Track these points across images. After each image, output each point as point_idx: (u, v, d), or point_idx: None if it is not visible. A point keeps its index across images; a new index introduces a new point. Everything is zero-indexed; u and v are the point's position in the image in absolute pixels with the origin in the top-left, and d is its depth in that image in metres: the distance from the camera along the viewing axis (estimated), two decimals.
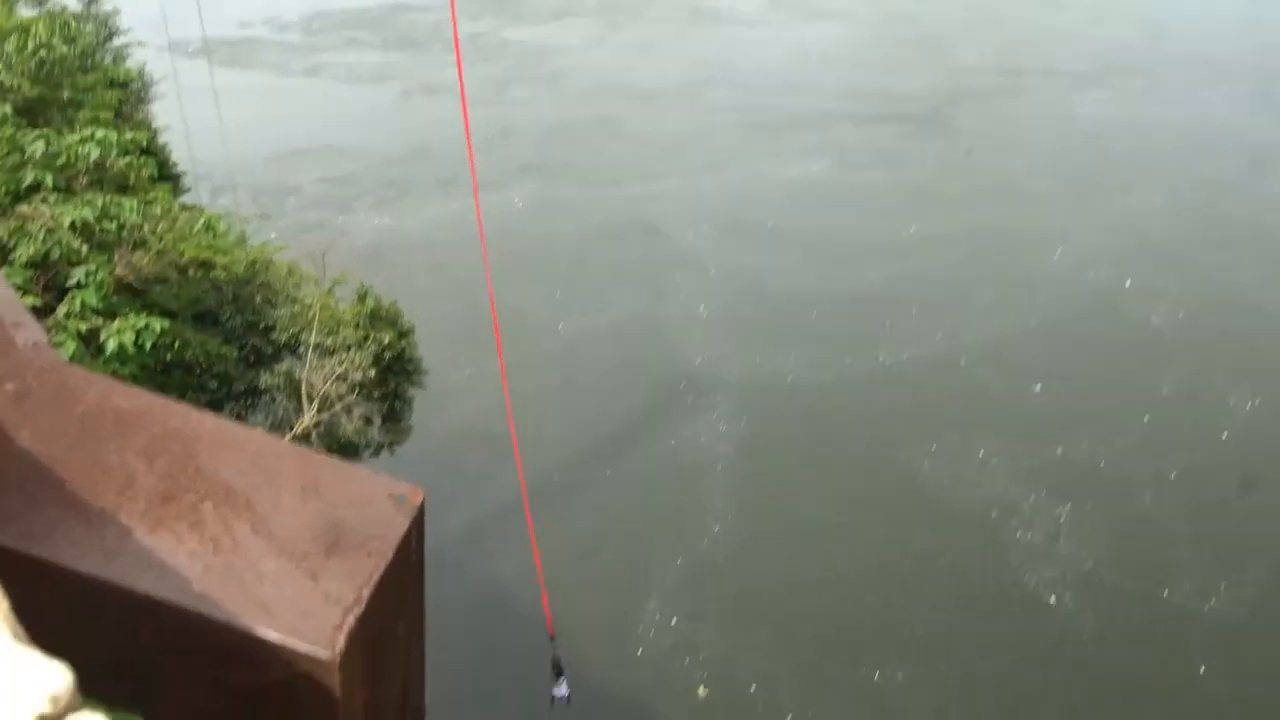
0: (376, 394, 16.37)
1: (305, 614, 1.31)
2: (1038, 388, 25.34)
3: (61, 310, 11.84)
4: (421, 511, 1.52)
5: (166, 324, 12.00)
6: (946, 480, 22.22)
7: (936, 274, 30.42)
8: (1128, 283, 29.91)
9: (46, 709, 0.66)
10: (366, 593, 1.36)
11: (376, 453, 17.03)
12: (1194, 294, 29.21)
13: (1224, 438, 23.60)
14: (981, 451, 22.93)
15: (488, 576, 19.47)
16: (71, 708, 0.67)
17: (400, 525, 1.47)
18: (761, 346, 27.03)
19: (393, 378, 16.48)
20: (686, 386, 25.63)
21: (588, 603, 18.64)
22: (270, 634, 1.28)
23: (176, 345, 12.80)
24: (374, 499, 1.48)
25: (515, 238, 30.55)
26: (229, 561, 1.34)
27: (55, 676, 0.68)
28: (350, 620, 1.32)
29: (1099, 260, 31.08)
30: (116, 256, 13.21)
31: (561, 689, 14.73)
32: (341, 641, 1.29)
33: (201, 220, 13.69)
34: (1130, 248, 31.97)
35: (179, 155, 22.13)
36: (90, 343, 11.95)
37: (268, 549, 1.36)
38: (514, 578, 18.00)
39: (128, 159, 14.49)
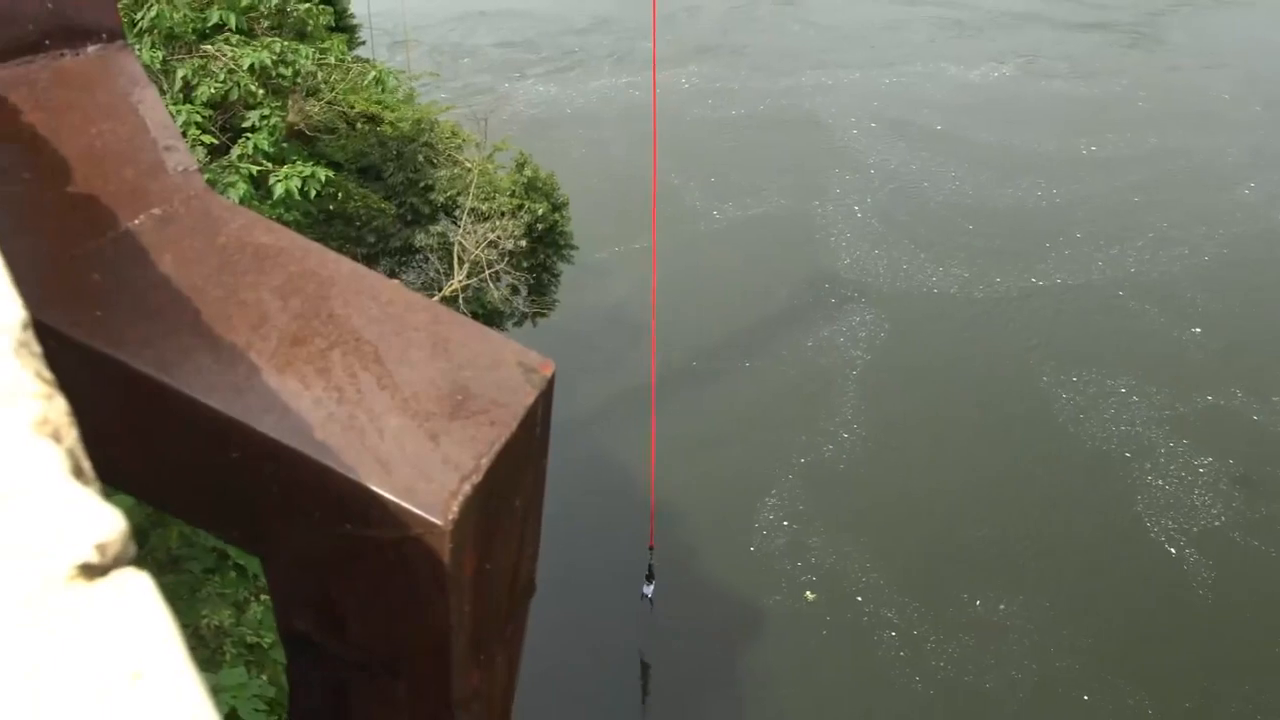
0: (525, 264, 16.56)
1: (423, 476, 1.29)
2: (1197, 330, 23.90)
3: (235, 151, 12.25)
4: (551, 385, 1.47)
5: (332, 174, 12.30)
6: (1083, 414, 21.31)
7: (1109, 197, 28.75)
8: None
9: (92, 558, 0.60)
10: (486, 462, 1.33)
11: (519, 323, 17.31)
12: None
13: None
14: (1124, 389, 21.87)
15: (604, 461, 19.76)
16: (120, 560, 0.61)
17: (527, 396, 1.42)
18: (911, 254, 26.22)
19: (542, 249, 16.62)
20: (831, 287, 25.15)
21: (705, 494, 18.82)
22: (386, 493, 1.26)
23: (339, 196, 13.15)
24: (503, 364, 1.44)
25: (677, 120, 30.18)
26: (352, 413, 1.32)
27: (107, 523, 0.62)
28: (466, 488, 1.29)
29: None
30: (290, 103, 13.56)
31: (648, 589, 15.58)
32: (455, 509, 1.27)
33: (372, 74, 13.84)
34: None
35: (358, 7, 22.40)
36: (259, 185, 12.36)
37: (391, 404, 1.34)
38: (631, 465, 18.23)
39: (306, 5, 14.72)
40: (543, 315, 17.78)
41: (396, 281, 1.58)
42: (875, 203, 28.46)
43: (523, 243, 15.62)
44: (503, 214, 15.32)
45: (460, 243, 14.65)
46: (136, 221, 1.42)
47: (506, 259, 15.23)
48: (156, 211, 1.45)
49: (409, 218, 15.69)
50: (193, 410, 1.27)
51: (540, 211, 15.95)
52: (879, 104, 33.27)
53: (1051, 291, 25.08)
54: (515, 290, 17.03)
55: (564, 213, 16.96)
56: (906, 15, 39.94)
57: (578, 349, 21.02)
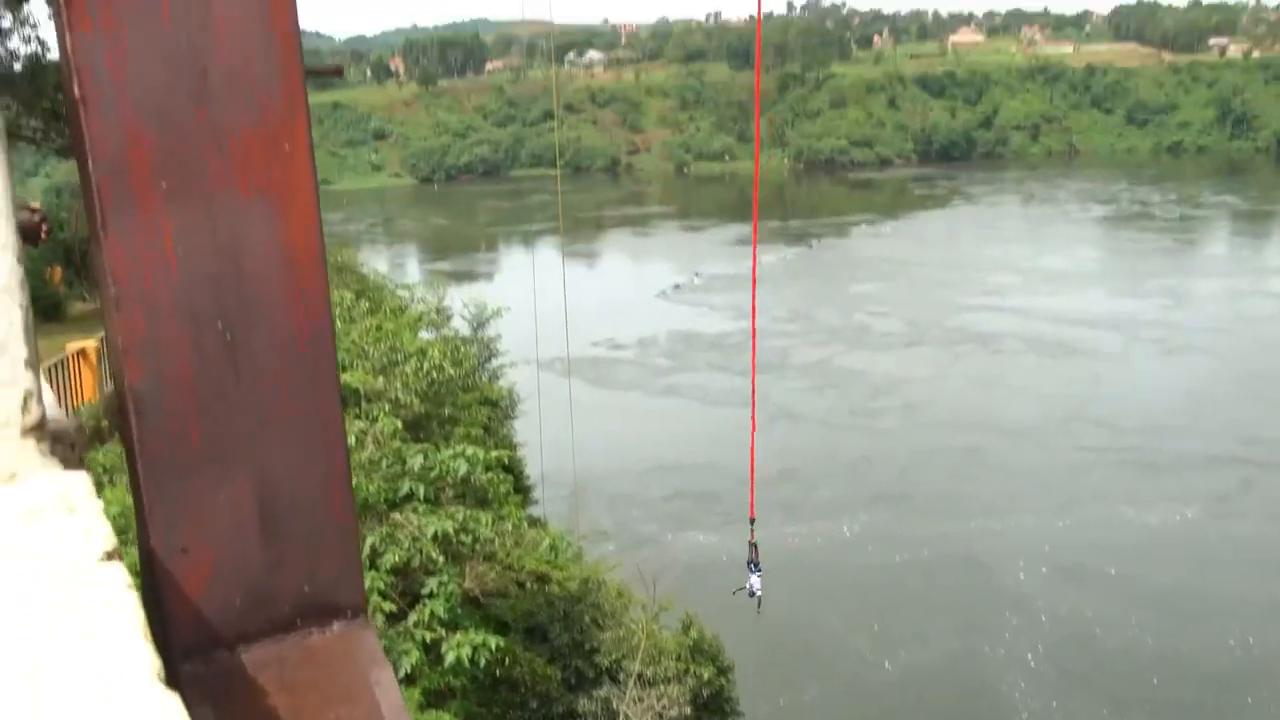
0: None
1: None
2: None
3: (411, 618, 12.52)
4: None
5: (502, 643, 12.34)
6: None
7: None
8: None
9: None
10: None
11: None
12: None
13: None
14: None
15: None
16: None
17: None
18: (1092, 709, 24.12)
19: (708, 717, 15.91)
20: None
21: None
22: None
23: (507, 662, 13.09)
24: None
25: (840, 568, 30.02)
26: None
27: None
28: None
29: None
30: (467, 568, 14.01)
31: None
32: None
33: (546, 541, 14.31)
34: None
35: (532, 468, 23.77)
36: (431, 651, 12.47)
37: None
38: None
39: (489, 474, 15.66)
40: None
41: None
42: (1047, 650, 26.86)
43: (688, 709, 15.00)
44: (668, 679, 14.89)
45: (624, 712, 14.18)
46: None
47: None
48: None
49: (573, 681, 15.40)
50: None
51: (706, 676, 15.47)
52: (1050, 548, 32.34)
53: None
54: None
55: (729, 676, 16.40)
56: (1093, 459, 39.80)
57: None
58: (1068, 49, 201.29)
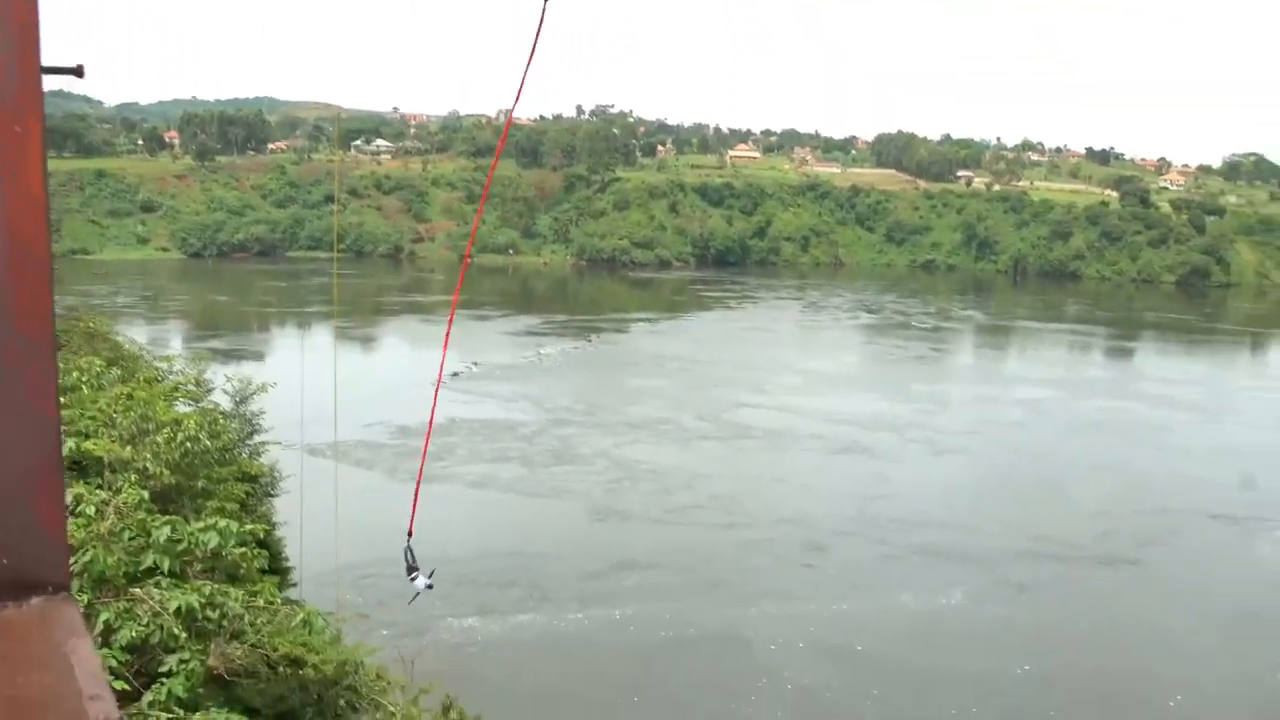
0: None
1: None
2: None
3: (146, 698, 11.67)
4: None
5: None
6: None
7: (1037, 716, 29.15)
8: None
9: None
10: None
11: None
12: None
13: None
14: None
15: None
16: None
17: None
18: None
19: None
20: None
21: None
22: None
23: None
24: None
25: (610, 648, 30.30)
26: None
27: None
28: None
29: (1213, 712, 29.43)
30: (212, 646, 13.21)
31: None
32: None
33: (300, 616, 13.71)
34: (1252, 701, 30.43)
35: (292, 550, 22.77)
36: None
37: None
38: None
39: (243, 549, 14.92)
40: None
41: None
42: (785, 715, 28.47)
43: None
44: None
45: None
46: None
47: None
48: None
49: None
50: None
51: None
52: (814, 629, 33.75)
53: None
54: None
55: None
56: (881, 551, 41.77)
57: None
58: (835, 170, 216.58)
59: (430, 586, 15.61)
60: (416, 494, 15.83)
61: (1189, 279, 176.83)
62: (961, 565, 40.36)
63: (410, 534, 15.45)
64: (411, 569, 15.47)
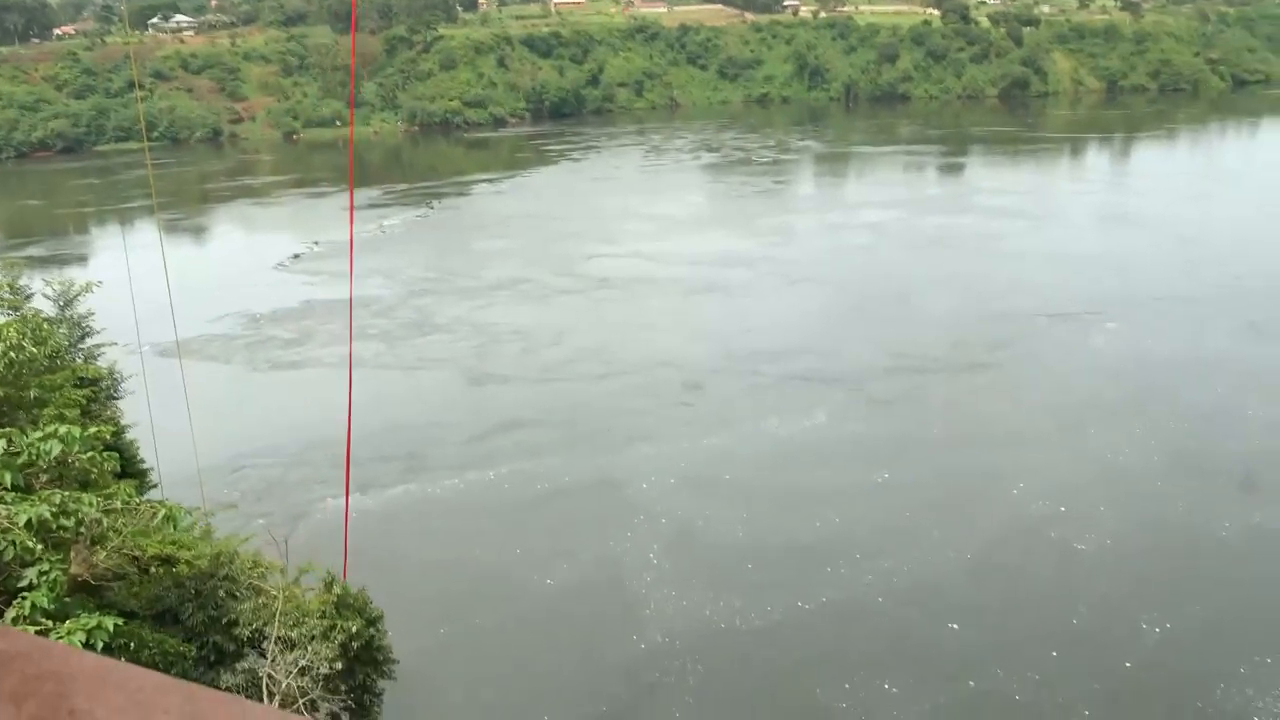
0: (344, 687, 15.50)
1: None
2: (954, 625, 25.58)
3: (10, 614, 11.27)
4: None
5: (120, 623, 11.43)
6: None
7: (890, 518, 31.06)
8: (1062, 508, 31.02)
9: None
10: None
11: None
12: (1127, 520, 30.24)
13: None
14: (894, 690, 23.03)
15: None
16: None
17: None
18: (699, 594, 27.26)
19: (360, 668, 15.65)
20: (640, 636, 25.65)
21: None
22: None
23: (132, 646, 12.16)
24: None
25: (489, 505, 31.06)
26: None
27: None
28: None
29: (1050, 494, 31.95)
30: (73, 554, 12.77)
31: None
32: None
33: (162, 512, 13.34)
34: (1086, 479, 33.09)
35: (146, 452, 21.99)
36: None
37: None
38: None
39: (90, 454, 14.30)
40: None
41: (150, 670, 1.49)
42: (661, 548, 29.76)
43: (338, 665, 14.68)
44: (313, 637, 14.48)
45: (269, 674, 13.63)
46: None
47: (323, 684, 14.20)
48: None
49: (212, 658, 14.59)
50: None
51: (355, 629, 15.19)
52: (685, 465, 34.78)
53: (820, 611, 26.58)
54: (336, 718, 15.78)
55: (379, 626, 16.22)
56: (749, 383, 43.03)
57: None
58: (662, 9, 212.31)
59: None
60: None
61: (1010, 91, 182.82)
62: (825, 387, 41.98)
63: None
64: None
